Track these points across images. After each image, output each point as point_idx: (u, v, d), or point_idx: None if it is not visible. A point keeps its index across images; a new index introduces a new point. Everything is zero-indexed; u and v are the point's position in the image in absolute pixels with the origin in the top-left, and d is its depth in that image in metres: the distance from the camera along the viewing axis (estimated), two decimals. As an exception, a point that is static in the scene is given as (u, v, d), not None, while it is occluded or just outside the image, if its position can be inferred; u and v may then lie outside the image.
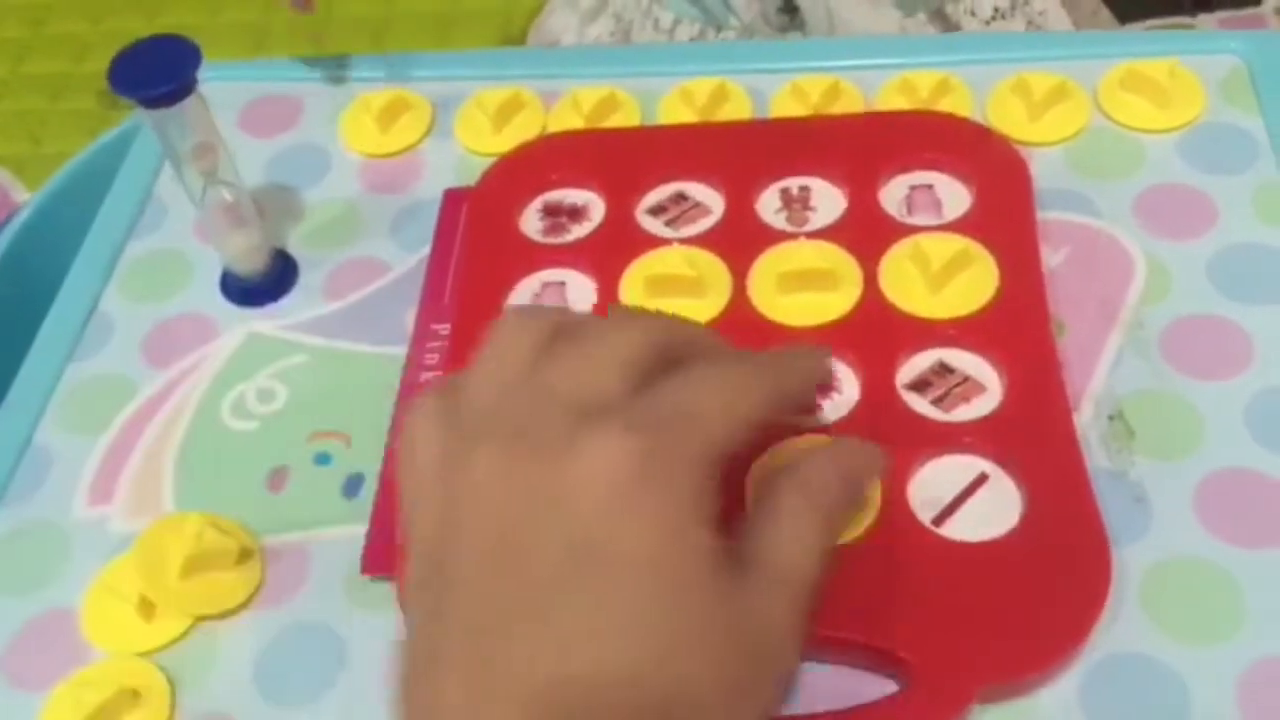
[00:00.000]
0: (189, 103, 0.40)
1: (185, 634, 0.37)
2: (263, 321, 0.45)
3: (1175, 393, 0.38)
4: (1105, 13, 0.78)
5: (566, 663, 0.26)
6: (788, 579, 0.29)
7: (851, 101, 0.47)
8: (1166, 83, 0.45)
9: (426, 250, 0.45)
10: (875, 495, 0.35)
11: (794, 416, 0.36)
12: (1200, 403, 0.37)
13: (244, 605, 0.37)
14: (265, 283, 0.45)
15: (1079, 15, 0.75)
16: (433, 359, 0.42)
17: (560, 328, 0.30)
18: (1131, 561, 0.34)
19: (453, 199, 0.47)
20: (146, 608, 0.37)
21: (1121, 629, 0.33)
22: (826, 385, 0.37)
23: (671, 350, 0.30)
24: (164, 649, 0.37)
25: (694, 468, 0.27)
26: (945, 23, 0.72)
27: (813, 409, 0.37)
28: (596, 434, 0.26)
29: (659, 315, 0.32)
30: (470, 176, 0.47)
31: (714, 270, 0.42)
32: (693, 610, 0.26)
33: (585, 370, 0.28)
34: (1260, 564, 0.34)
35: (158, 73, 0.38)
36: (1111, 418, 0.37)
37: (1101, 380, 0.38)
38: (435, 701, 0.26)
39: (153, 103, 0.39)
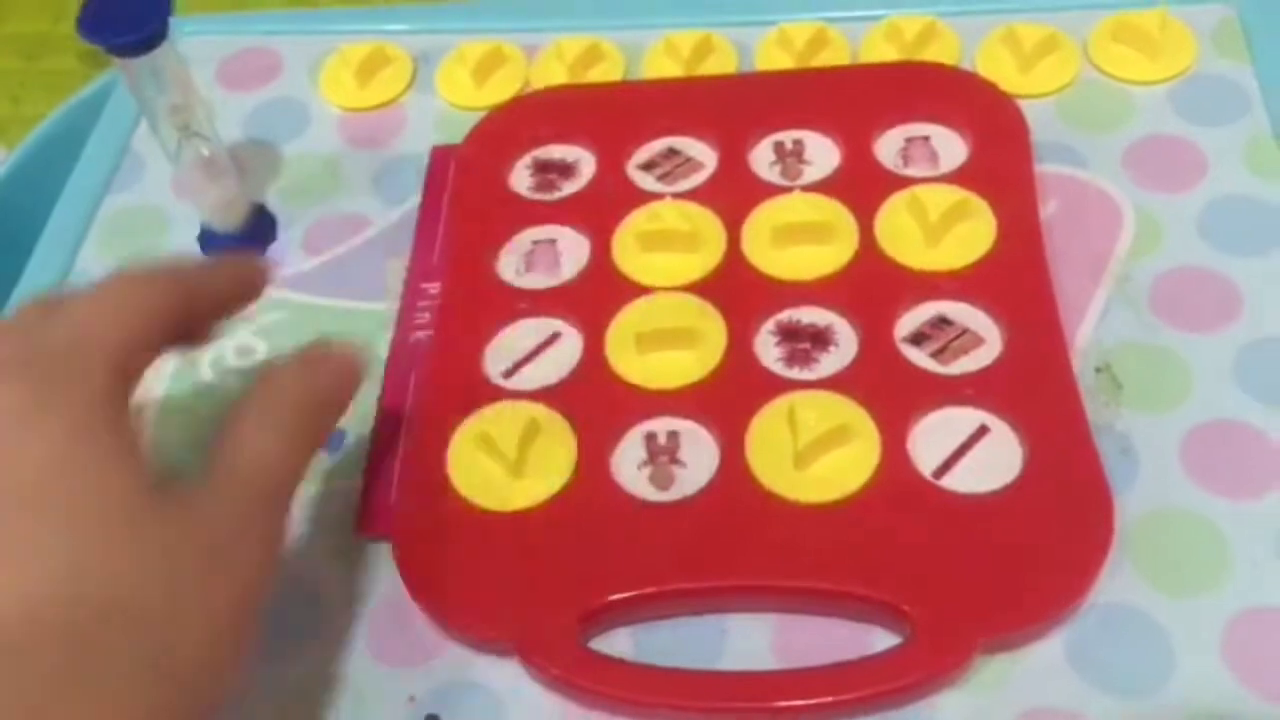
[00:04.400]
0: (161, 53, 0.39)
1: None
2: (242, 277, 0.44)
3: (1163, 345, 0.37)
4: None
5: None
6: (246, 482, 0.30)
7: (838, 49, 0.46)
8: (1157, 33, 0.44)
9: (408, 205, 0.45)
10: (870, 452, 0.35)
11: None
12: (1188, 355, 0.37)
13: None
14: (244, 238, 0.45)
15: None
16: (423, 318, 0.41)
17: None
18: (1118, 513, 0.34)
19: (440, 156, 0.46)
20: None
21: (1107, 580, 0.33)
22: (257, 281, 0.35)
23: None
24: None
25: (90, 391, 0.28)
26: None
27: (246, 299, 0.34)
28: None
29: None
30: (452, 131, 0.46)
31: (708, 224, 0.41)
32: (102, 526, 0.27)
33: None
34: (1246, 515, 0.34)
35: (128, 20, 0.37)
36: (1099, 370, 0.37)
37: (1089, 333, 0.38)
38: None
39: (122, 51, 0.38)
